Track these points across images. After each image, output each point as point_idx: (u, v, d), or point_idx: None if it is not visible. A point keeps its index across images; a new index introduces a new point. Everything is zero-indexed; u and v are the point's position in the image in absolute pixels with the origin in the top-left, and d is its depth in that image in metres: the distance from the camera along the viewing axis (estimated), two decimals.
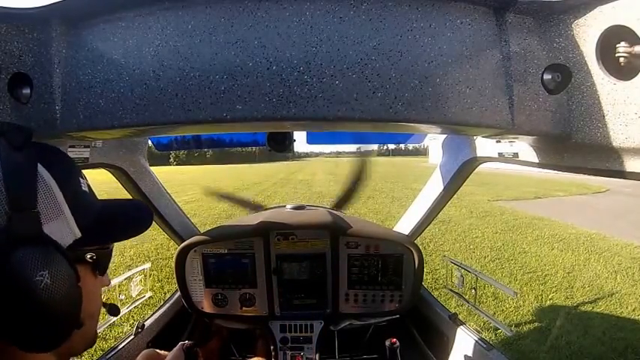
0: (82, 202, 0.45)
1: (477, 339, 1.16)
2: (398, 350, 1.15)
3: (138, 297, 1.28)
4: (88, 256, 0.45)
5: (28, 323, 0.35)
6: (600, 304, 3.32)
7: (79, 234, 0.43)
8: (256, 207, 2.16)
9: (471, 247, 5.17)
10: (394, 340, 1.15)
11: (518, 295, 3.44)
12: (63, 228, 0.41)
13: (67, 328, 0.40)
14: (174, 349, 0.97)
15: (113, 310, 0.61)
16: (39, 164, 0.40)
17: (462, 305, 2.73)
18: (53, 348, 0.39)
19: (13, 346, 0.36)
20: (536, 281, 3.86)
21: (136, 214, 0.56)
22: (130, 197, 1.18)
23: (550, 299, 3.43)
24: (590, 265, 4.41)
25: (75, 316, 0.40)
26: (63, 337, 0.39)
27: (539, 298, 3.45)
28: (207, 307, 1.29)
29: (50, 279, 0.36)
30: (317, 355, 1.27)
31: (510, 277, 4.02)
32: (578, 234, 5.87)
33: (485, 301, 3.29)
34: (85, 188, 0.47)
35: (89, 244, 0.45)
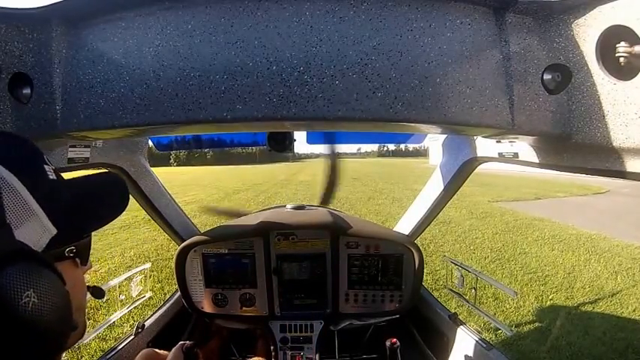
0: (51, 194, 0.39)
1: (477, 339, 1.16)
2: (398, 350, 1.14)
3: (138, 297, 1.28)
4: (68, 251, 0.41)
5: (26, 348, 0.32)
6: (601, 304, 3.31)
7: (54, 230, 0.38)
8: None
9: (472, 247, 5.16)
10: (394, 340, 1.15)
11: (519, 296, 3.44)
12: (36, 229, 0.36)
13: (64, 335, 0.37)
14: (174, 349, 0.97)
15: (97, 292, 0.58)
16: None
17: (462, 306, 2.73)
18: (55, 356, 0.37)
19: None
20: (536, 282, 3.86)
21: (111, 193, 0.50)
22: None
23: (550, 300, 3.42)
24: (590, 265, 4.40)
25: (69, 321, 0.37)
26: (62, 345, 0.37)
27: (540, 298, 3.44)
28: (207, 307, 1.29)
29: (37, 297, 0.32)
30: (317, 355, 1.27)
31: (511, 277, 4.02)
32: (578, 235, 5.86)
33: (485, 301, 3.29)
34: (52, 176, 0.41)
35: (67, 238, 0.41)
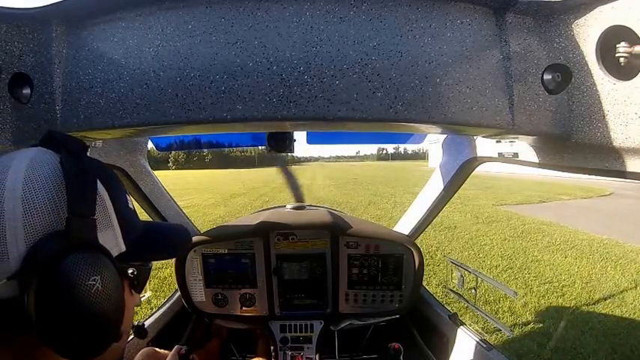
0: (127, 218, 0.46)
1: (477, 339, 1.15)
2: (401, 357, 1.13)
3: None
4: (130, 271, 0.45)
5: (75, 327, 0.35)
6: (626, 317, 3.08)
7: (123, 248, 0.44)
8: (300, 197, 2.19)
9: (481, 255, 4.94)
10: (397, 346, 1.13)
11: (538, 310, 3.19)
12: (111, 240, 0.42)
13: (109, 338, 0.39)
14: (171, 353, 0.97)
15: (140, 332, 0.59)
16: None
17: (477, 316, 2.60)
18: (91, 357, 0.38)
19: (43, 347, 0.34)
20: (553, 293, 3.60)
21: (176, 238, 0.57)
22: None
23: (571, 314, 3.17)
24: (607, 273, 4.16)
25: (117, 327, 0.40)
26: (103, 346, 0.38)
27: (560, 312, 3.20)
28: (207, 307, 1.29)
29: (102, 285, 0.36)
30: (317, 356, 1.26)
31: (526, 288, 3.75)
32: (590, 240, 5.63)
33: (502, 316, 3.09)
34: (130, 206, 0.48)
35: (131, 260, 0.45)
